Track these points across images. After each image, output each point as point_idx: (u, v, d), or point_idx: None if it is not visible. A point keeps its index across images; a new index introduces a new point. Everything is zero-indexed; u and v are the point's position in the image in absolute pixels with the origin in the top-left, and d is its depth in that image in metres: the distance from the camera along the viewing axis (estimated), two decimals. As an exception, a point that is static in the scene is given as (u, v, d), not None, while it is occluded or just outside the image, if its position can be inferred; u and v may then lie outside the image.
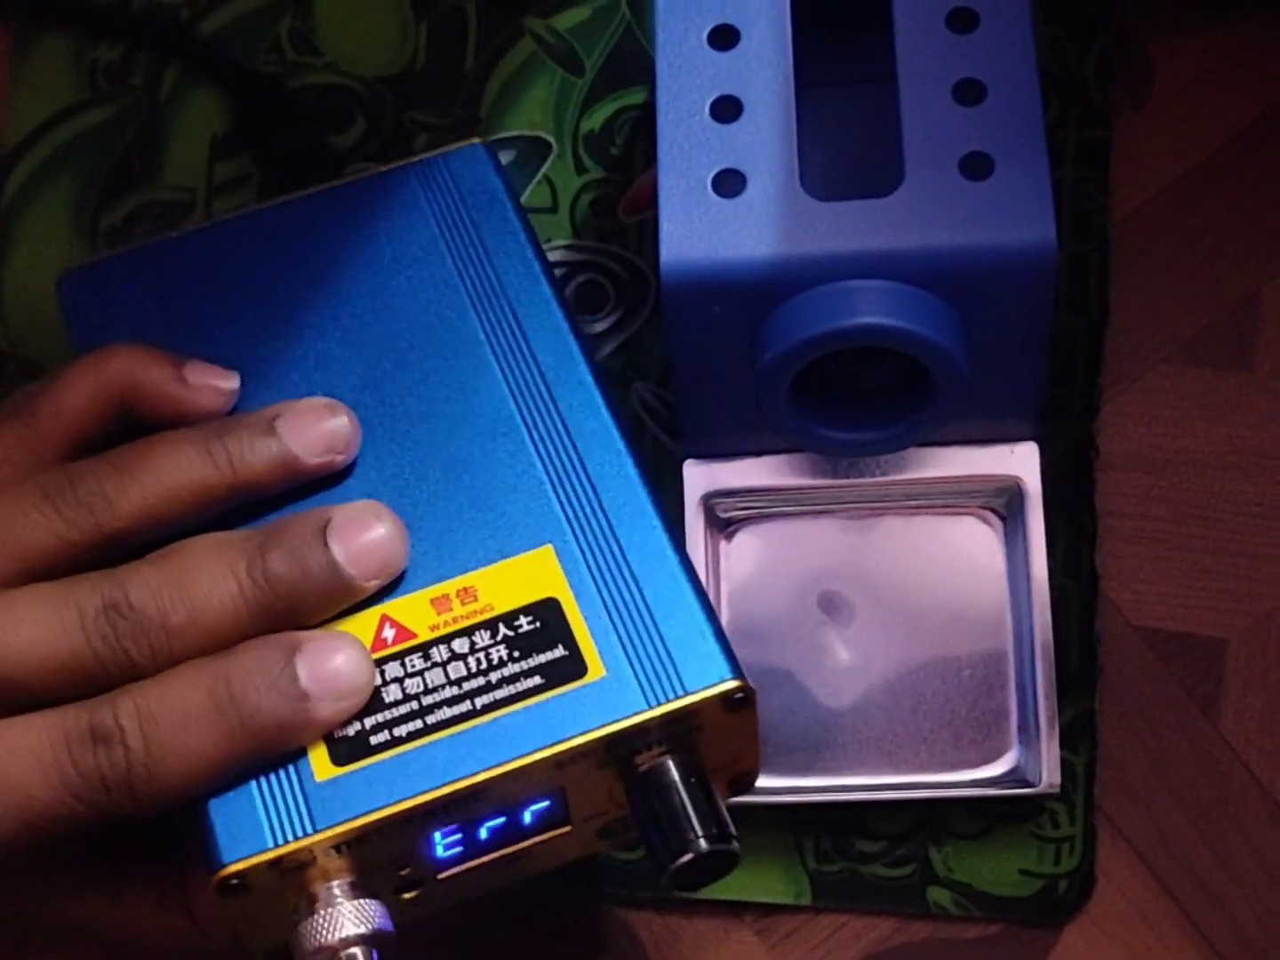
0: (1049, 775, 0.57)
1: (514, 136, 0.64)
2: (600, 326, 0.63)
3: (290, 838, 0.46)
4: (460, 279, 0.55)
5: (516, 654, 0.49)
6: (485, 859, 0.49)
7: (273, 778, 0.47)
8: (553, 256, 0.63)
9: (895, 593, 0.60)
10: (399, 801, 0.47)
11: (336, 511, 0.49)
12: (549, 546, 0.50)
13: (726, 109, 0.54)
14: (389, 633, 0.49)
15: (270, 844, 0.46)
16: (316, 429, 0.51)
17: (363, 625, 0.49)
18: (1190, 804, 0.59)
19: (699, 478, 0.59)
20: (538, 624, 0.49)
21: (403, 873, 0.49)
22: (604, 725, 0.47)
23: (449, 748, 0.48)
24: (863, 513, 0.60)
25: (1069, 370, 0.61)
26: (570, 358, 0.53)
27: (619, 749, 0.48)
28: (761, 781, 0.57)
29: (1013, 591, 0.59)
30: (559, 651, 0.49)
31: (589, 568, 0.50)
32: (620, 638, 0.49)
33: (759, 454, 0.59)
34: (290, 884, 0.47)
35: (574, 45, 0.65)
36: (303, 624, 0.49)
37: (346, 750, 0.48)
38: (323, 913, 0.47)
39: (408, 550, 0.50)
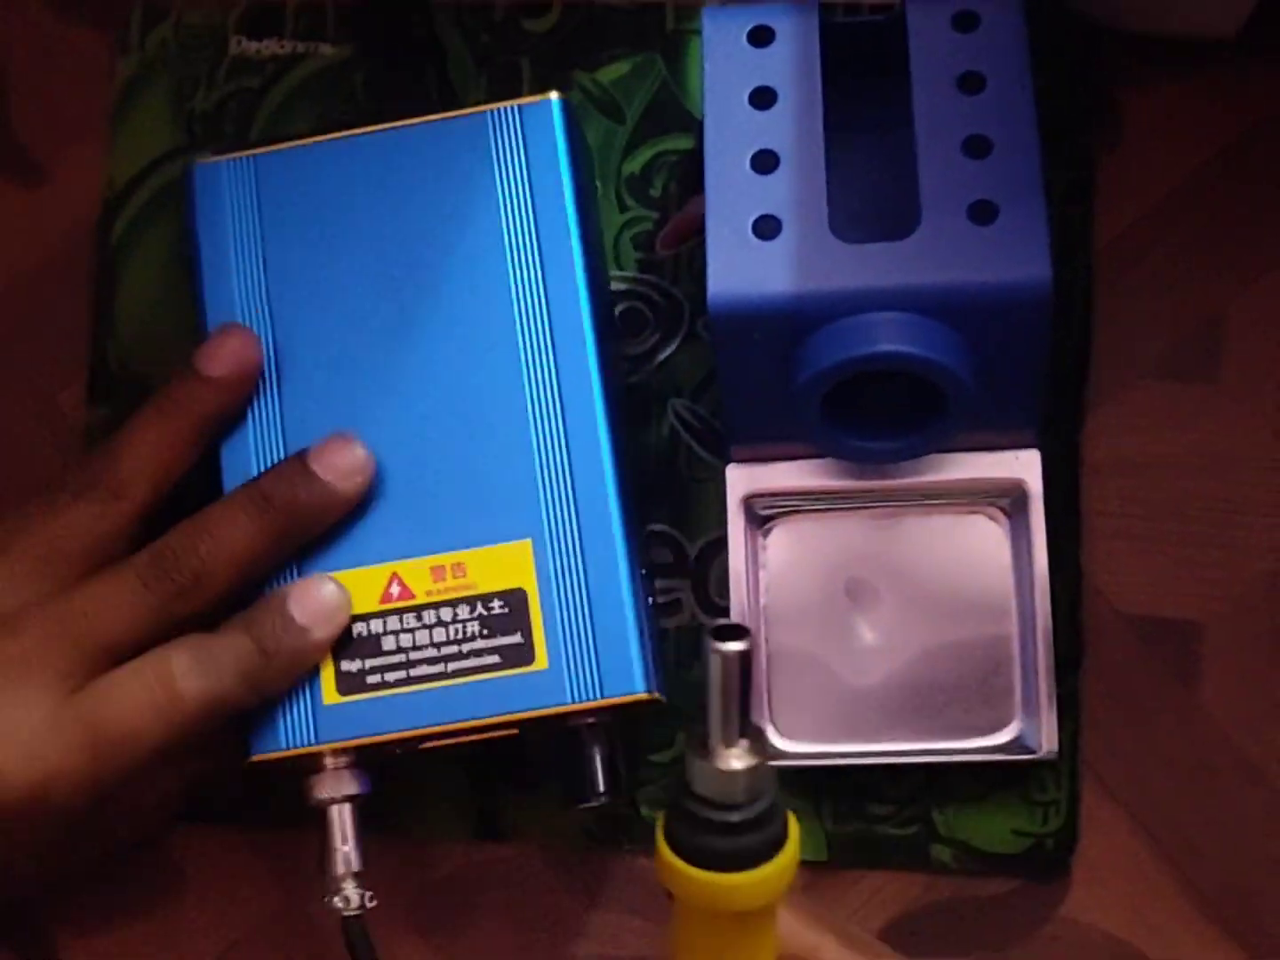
0: (1048, 743, 0.60)
1: (563, 179, 0.67)
2: (640, 349, 0.66)
3: (299, 744, 0.59)
4: (504, 238, 0.62)
5: (485, 631, 0.59)
6: (457, 741, 0.60)
7: (295, 696, 0.59)
8: (597, 286, 0.67)
9: (914, 582, 0.62)
10: (380, 734, 0.58)
11: (314, 445, 0.60)
12: (529, 541, 0.59)
13: (765, 161, 0.57)
14: (395, 589, 0.59)
15: (284, 746, 0.59)
16: (344, 458, 0.60)
17: (377, 577, 0.60)
18: (1177, 770, 0.62)
19: (740, 480, 0.62)
20: (506, 609, 0.59)
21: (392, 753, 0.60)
22: (536, 709, 0.58)
23: (423, 699, 0.59)
24: (885, 511, 0.63)
25: (1056, 387, 0.63)
26: (585, 370, 0.60)
27: (548, 723, 0.59)
28: (794, 747, 0.62)
29: (1017, 581, 0.61)
30: (517, 638, 0.58)
31: (554, 569, 0.59)
32: (564, 637, 0.58)
33: (793, 459, 0.62)
34: (303, 765, 0.59)
35: (616, 97, 0.68)
36: (308, 532, 0.59)
37: (348, 684, 0.59)
38: (321, 775, 0.59)
39: (373, 465, 0.60)
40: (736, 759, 0.44)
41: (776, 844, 0.46)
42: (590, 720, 0.59)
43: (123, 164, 0.69)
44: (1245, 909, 0.61)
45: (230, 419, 0.61)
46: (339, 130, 0.64)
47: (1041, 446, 0.62)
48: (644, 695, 0.58)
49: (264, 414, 0.61)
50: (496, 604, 0.59)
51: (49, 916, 0.65)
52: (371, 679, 0.59)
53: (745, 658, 0.43)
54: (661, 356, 0.66)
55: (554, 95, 0.63)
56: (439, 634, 0.59)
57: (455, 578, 0.59)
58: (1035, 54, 0.63)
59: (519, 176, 0.62)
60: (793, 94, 0.58)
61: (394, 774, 0.63)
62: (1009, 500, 0.62)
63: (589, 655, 0.58)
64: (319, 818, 0.60)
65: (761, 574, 0.63)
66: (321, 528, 0.60)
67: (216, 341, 0.61)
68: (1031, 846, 0.62)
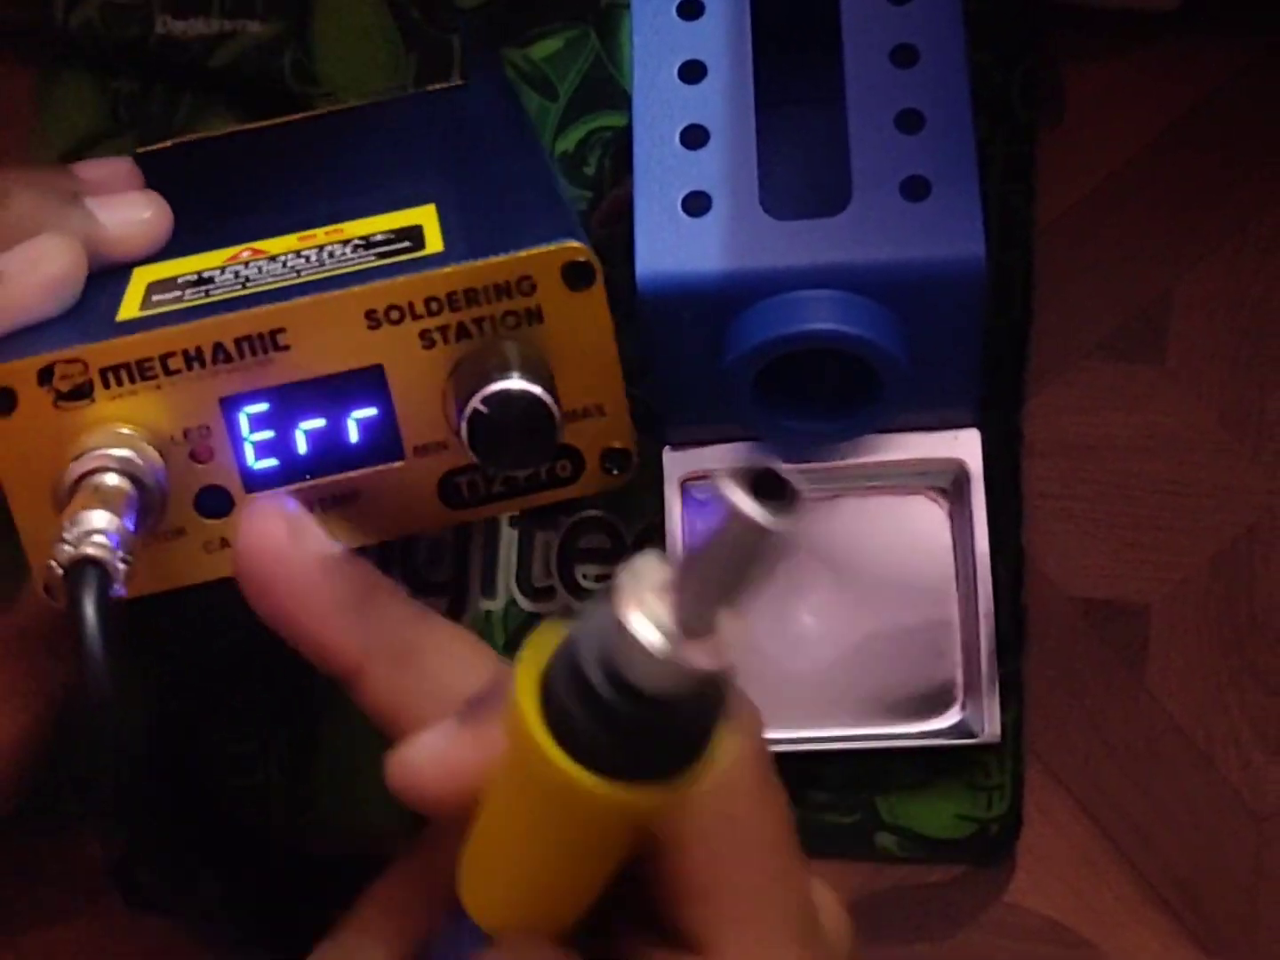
0: (990, 727, 0.60)
1: (495, 157, 0.67)
2: None
3: (62, 345, 0.43)
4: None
5: (361, 250, 0.46)
6: (305, 483, 0.45)
7: (78, 319, 0.45)
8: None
9: (854, 565, 0.62)
10: (185, 321, 0.43)
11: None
12: (431, 206, 0.48)
13: (695, 137, 0.57)
14: (245, 254, 0.48)
15: (41, 349, 0.43)
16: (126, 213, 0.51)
17: (222, 254, 0.48)
18: (1122, 754, 0.62)
19: (677, 462, 0.62)
20: (393, 235, 0.46)
21: (204, 464, 0.44)
22: (417, 272, 0.44)
23: (258, 298, 0.44)
24: (824, 493, 0.62)
25: (997, 367, 0.63)
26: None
27: (442, 318, 0.44)
28: None
29: (958, 563, 0.61)
30: (405, 244, 0.46)
31: (463, 205, 0.48)
32: (469, 226, 0.46)
33: (731, 440, 0.62)
34: (65, 424, 0.43)
35: (548, 73, 0.67)
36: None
37: (157, 300, 0.45)
38: (96, 441, 0.43)
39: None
40: (707, 656, 0.32)
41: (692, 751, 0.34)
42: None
43: (47, 147, 0.68)
44: (1190, 895, 0.62)
45: None
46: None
47: (982, 426, 0.62)
48: (573, 246, 0.45)
49: None
50: (382, 236, 0.47)
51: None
52: (191, 294, 0.45)
53: (779, 542, 0.31)
54: (598, 338, 0.65)
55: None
56: (295, 262, 0.46)
57: (328, 236, 0.47)
58: (978, 28, 0.64)
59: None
60: (723, 68, 0.57)
61: (326, 765, 0.62)
62: (949, 481, 0.62)
63: (499, 224, 0.46)
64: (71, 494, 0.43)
65: (700, 559, 0.62)
66: None
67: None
68: (976, 832, 0.62)
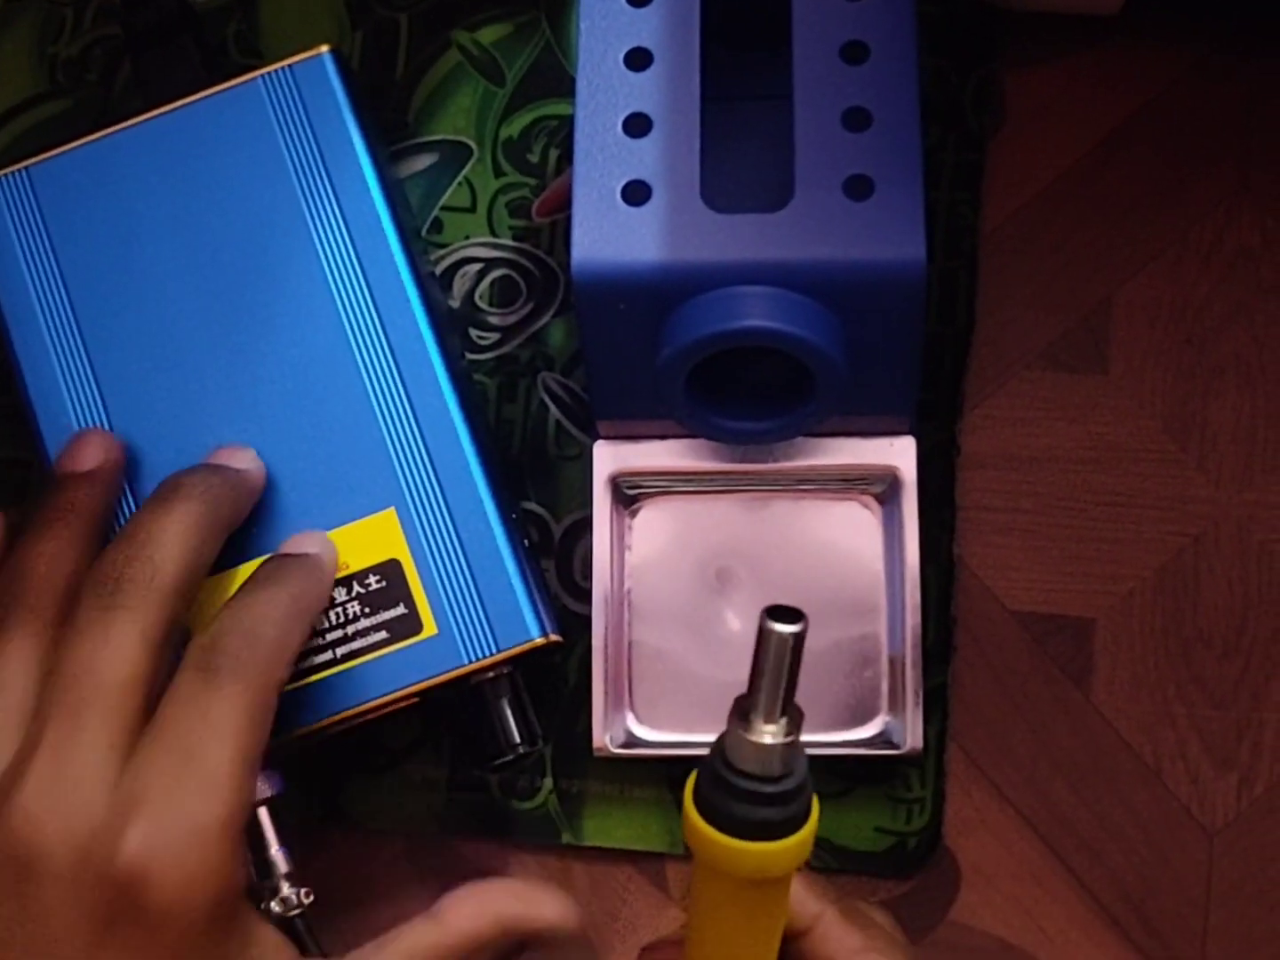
0: (913, 739, 0.59)
1: (438, 140, 0.66)
2: (512, 319, 0.65)
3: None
4: (303, 203, 0.61)
5: (367, 610, 0.59)
6: (364, 720, 0.60)
7: None
8: (469, 252, 0.65)
9: (784, 568, 0.61)
10: (283, 736, 0.58)
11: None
12: (392, 510, 0.59)
13: (637, 125, 0.56)
14: None
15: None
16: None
17: (245, 576, 0.58)
18: (1069, 770, 0.62)
19: (607, 458, 0.61)
20: (384, 583, 0.59)
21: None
22: (433, 677, 0.59)
23: (320, 690, 0.59)
24: (755, 495, 0.62)
25: (937, 376, 0.63)
26: (413, 324, 0.60)
27: (446, 687, 0.59)
28: (652, 735, 0.60)
29: (888, 572, 0.61)
30: (400, 610, 0.59)
31: (423, 532, 0.59)
32: (447, 599, 0.58)
33: (663, 438, 0.61)
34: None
35: (497, 58, 0.66)
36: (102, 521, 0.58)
37: None
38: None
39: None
40: (773, 735, 0.47)
41: (801, 817, 0.48)
42: (491, 675, 0.59)
43: (-18, 107, 0.68)
44: (1140, 912, 0.61)
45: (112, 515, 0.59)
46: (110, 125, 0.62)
47: (919, 435, 0.61)
48: (540, 640, 0.58)
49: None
50: (373, 579, 0.59)
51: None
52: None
53: (799, 640, 0.45)
54: (534, 328, 0.65)
55: (325, 49, 0.62)
56: (321, 621, 0.59)
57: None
58: (934, 32, 0.64)
59: (305, 138, 0.61)
60: (669, 56, 0.56)
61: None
62: (882, 487, 0.61)
63: (477, 612, 0.58)
64: None
65: (627, 555, 0.62)
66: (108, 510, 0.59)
67: (75, 443, 0.59)
68: (893, 845, 0.61)
